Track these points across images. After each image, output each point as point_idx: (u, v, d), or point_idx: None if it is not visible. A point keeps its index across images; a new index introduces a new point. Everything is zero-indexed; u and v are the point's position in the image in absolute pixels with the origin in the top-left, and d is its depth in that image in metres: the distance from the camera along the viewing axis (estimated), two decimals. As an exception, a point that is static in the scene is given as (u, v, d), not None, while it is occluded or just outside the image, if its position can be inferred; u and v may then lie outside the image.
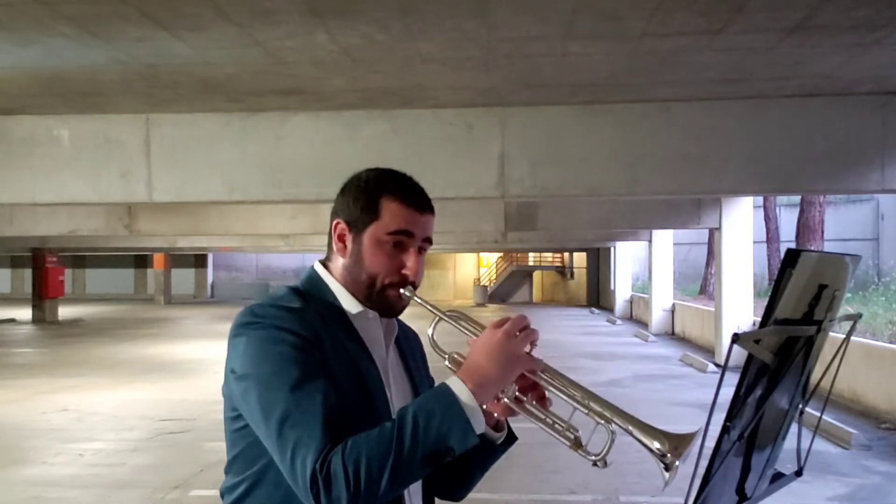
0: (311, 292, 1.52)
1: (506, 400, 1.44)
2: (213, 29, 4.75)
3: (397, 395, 1.53)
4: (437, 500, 1.64)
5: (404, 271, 1.50)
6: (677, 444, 1.30)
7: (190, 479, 6.50)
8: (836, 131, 6.77)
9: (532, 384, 1.44)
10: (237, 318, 1.45)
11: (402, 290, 1.50)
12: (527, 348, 1.39)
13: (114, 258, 37.42)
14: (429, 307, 1.55)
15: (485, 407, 1.40)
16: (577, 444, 1.41)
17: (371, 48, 5.17)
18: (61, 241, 21.28)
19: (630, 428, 1.34)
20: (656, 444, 1.31)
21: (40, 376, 12.54)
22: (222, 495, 1.50)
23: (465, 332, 1.50)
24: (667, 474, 1.30)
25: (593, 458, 1.38)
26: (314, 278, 1.55)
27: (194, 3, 4.33)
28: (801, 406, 1.58)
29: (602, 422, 1.36)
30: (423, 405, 1.32)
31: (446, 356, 1.52)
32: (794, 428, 1.59)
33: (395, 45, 5.12)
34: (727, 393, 1.29)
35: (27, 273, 31.76)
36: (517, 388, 1.44)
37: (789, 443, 1.62)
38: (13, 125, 7.24)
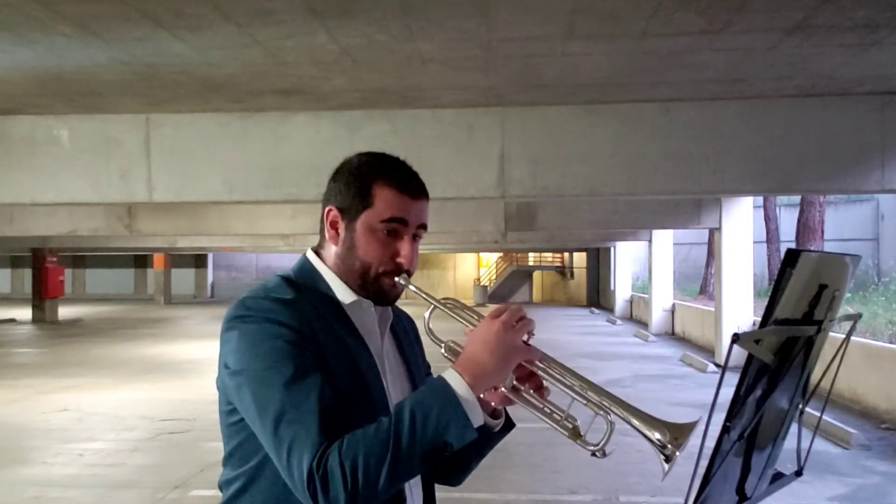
0: (304, 282, 1.48)
1: (503, 389, 1.42)
2: (213, 29, 4.75)
3: (394, 383, 1.51)
4: (436, 486, 1.62)
5: (398, 259, 1.46)
6: (678, 434, 1.28)
7: (190, 479, 6.50)
8: (835, 131, 6.76)
9: (529, 373, 1.42)
10: (229, 310, 1.41)
11: (396, 279, 1.47)
12: (524, 338, 1.37)
13: (114, 258, 37.43)
14: (424, 295, 1.52)
15: (482, 396, 1.38)
16: (575, 433, 1.38)
17: (371, 48, 5.17)
18: (61, 241, 21.27)
19: (629, 418, 1.31)
20: (657, 435, 1.28)
21: (40, 376, 12.54)
22: (220, 487, 1.48)
23: (462, 321, 1.47)
24: (666, 466, 1.27)
25: (592, 448, 1.36)
26: (307, 267, 1.52)
27: (194, 3, 4.33)
28: (801, 406, 1.57)
29: (601, 412, 1.34)
30: (421, 400, 1.30)
31: (442, 345, 1.49)
32: (794, 428, 1.59)
33: (395, 45, 5.12)
34: (727, 393, 1.28)
35: (27, 273, 31.77)
36: (514, 377, 1.41)
37: (789, 443, 1.62)
38: (13, 125, 7.24)
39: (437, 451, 1.28)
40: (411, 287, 1.50)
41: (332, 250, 1.51)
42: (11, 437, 8.21)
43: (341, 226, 1.49)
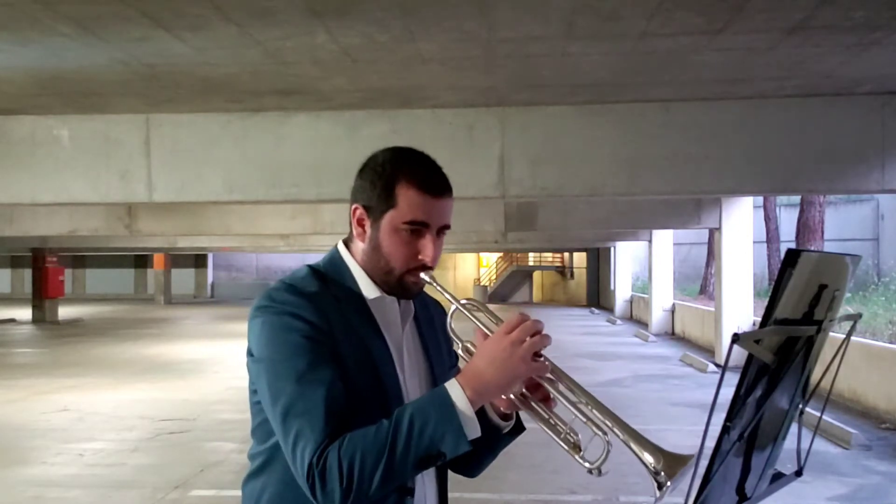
0: (331, 274, 1.54)
1: (511, 396, 1.46)
2: (213, 29, 4.75)
3: (411, 374, 1.55)
4: (451, 474, 1.65)
5: (421, 257, 1.50)
6: (673, 463, 1.31)
7: (190, 479, 6.50)
8: (836, 131, 6.76)
9: (537, 384, 1.45)
10: (257, 299, 1.50)
11: (420, 275, 1.51)
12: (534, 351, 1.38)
13: (114, 258, 37.41)
14: (447, 295, 1.54)
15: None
16: (575, 448, 1.42)
17: (371, 48, 5.17)
18: (61, 241, 21.27)
19: (629, 441, 1.34)
20: (650, 459, 1.32)
21: (40, 376, 12.54)
22: (249, 458, 1.56)
23: (480, 325, 1.48)
24: (658, 492, 1.31)
25: (589, 465, 1.39)
26: (336, 259, 1.57)
27: (194, 4, 4.33)
28: (801, 406, 1.57)
29: (600, 433, 1.37)
30: (421, 408, 1.36)
31: (460, 344, 1.53)
32: (794, 428, 1.59)
33: (395, 45, 5.12)
34: (727, 393, 1.28)
35: (27, 273, 31.75)
36: (523, 385, 1.45)
37: (789, 443, 1.62)
38: (13, 125, 7.24)
39: (431, 458, 1.34)
40: (435, 284, 1.53)
41: (359, 246, 1.56)
42: (11, 437, 8.21)
43: (367, 224, 1.53)
